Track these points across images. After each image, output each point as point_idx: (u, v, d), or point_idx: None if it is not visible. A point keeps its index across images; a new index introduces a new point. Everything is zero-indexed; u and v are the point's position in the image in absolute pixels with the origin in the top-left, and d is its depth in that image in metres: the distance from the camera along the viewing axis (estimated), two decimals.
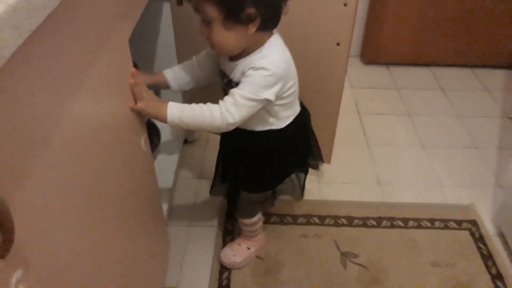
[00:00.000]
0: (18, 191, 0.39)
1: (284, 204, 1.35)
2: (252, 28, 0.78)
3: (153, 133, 1.39)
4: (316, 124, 1.29)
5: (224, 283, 1.16)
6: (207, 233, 1.29)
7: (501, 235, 1.30)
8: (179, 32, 1.25)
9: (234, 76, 0.86)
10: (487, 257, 1.23)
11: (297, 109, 0.96)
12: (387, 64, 2.13)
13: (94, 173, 0.59)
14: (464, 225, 1.33)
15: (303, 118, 0.98)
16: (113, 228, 0.68)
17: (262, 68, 0.79)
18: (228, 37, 0.79)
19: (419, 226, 1.32)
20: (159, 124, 1.42)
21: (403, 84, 2.00)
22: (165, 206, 1.20)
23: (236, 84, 0.84)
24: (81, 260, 0.55)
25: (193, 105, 0.83)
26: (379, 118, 1.79)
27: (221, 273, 1.18)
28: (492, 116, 1.81)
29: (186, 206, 1.37)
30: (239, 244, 1.20)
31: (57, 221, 0.48)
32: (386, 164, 1.56)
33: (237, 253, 1.19)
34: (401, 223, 1.33)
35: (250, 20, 0.76)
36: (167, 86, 0.97)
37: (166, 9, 1.22)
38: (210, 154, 1.56)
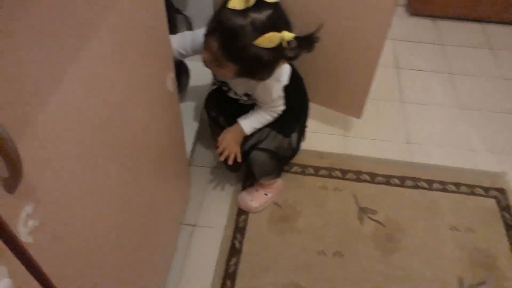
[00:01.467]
0: (27, 126, 0.39)
1: (307, 155, 1.34)
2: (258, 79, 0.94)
3: (182, 72, 1.38)
4: (351, 75, 1.25)
5: (241, 225, 1.19)
6: (229, 175, 1.30)
7: None
8: None
9: (236, 89, 1.07)
10: (511, 227, 1.21)
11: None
12: (435, 17, 1.98)
13: (113, 107, 0.59)
14: (492, 192, 1.29)
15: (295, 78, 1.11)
16: (130, 163, 0.69)
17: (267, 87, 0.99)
18: (234, 78, 0.94)
19: (444, 190, 1.29)
20: (189, 63, 1.41)
21: (450, 39, 1.87)
22: (190, 146, 1.22)
23: (243, 94, 1.07)
24: (95, 193, 0.57)
25: (256, 118, 1.08)
26: (418, 74, 1.70)
27: (238, 215, 1.21)
28: None
29: (211, 148, 1.39)
30: (257, 190, 1.22)
31: (70, 156, 0.49)
32: (419, 122, 1.50)
33: (254, 197, 1.21)
34: (425, 184, 1.30)
35: (259, 77, 0.92)
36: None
37: None
38: None
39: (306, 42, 0.83)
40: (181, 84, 1.36)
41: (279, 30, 0.81)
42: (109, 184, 0.61)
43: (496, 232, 1.20)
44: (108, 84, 0.57)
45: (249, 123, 1.08)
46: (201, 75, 1.44)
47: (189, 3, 1.31)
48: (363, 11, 1.10)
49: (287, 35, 0.81)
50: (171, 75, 0.83)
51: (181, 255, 1.13)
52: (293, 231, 1.18)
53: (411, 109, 1.56)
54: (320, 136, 1.42)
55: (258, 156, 1.11)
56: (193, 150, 1.29)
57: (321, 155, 1.36)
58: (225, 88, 1.11)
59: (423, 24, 1.96)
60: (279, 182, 1.23)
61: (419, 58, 1.77)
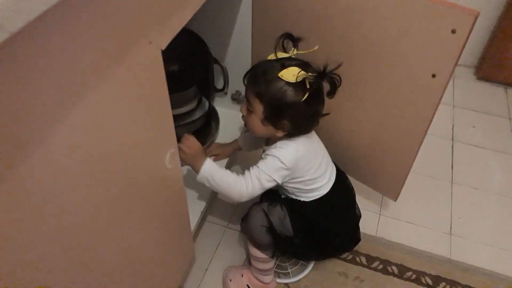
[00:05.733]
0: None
1: None
2: (280, 133, 0.92)
3: (212, 120, 1.32)
4: (389, 159, 1.12)
5: None
6: (242, 239, 1.21)
7: None
8: (257, 23, 1.12)
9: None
10: None
11: (321, 193, 1.00)
12: (507, 84, 1.78)
13: (105, 182, 0.56)
14: None
15: (330, 198, 1.01)
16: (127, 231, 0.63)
17: (272, 156, 0.93)
18: (259, 127, 0.93)
19: None
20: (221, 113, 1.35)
21: None
22: (202, 207, 1.14)
23: None
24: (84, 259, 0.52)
25: (223, 174, 0.94)
26: (475, 151, 1.51)
27: None
28: None
29: (228, 206, 1.30)
30: (242, 275, 1.09)
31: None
32: (467, 210, 1.32)
33: (235, 280, 1.09)
34: None
35: (281, 128, 0.91)
36: (240, 149, 1.23)
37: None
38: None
39: (325, 78, 0.85)
40: (210, 133, 1.30)
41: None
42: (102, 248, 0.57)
43: None
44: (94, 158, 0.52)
45: (209, 168, 0.93)
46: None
47: (228, 54, 1.24)
48: (406, 100, 0.99)
49: (309, 73, 0.84)
50: (171, 151, 0.75)
51: None
52: None
53: (461, 191, 1.37)
54: None
55: (254, 212, 1.00)
56: (208, 207, 1.21)
57: None
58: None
59: (493, 92, 1.77)
60: (270, 280, 1.08)
61: (481, 132, 1.58)
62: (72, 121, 0.46)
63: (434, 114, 0.97)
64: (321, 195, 1.00)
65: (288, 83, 0.85)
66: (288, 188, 0.99)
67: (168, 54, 1.19)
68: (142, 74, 0.60)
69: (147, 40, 0.59)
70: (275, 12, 1.06)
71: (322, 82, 0.86)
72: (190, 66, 1.22)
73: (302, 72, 0.84)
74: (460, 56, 0.86)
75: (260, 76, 0.89)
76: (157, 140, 0.71)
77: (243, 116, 0.97)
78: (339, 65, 0.85)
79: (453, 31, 0.82)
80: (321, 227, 1.00)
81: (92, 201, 0.55)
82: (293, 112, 0.88)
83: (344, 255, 1.18)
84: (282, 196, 1.05)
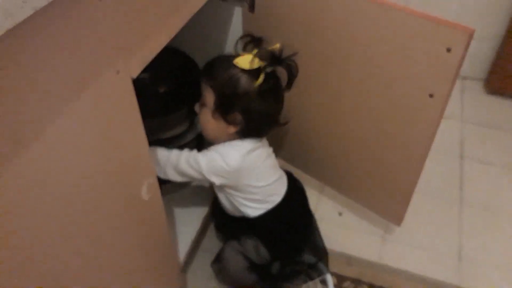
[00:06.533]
0: None
1: (332, 259, 1.14)
2: (232, 130, 0.88)
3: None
4: (391, 180, 1.07)
5: None
6: None
7: None
8: None
9: None
10: None
11: (267, 206, 0.97)
12: None
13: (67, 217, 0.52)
14: None
15: (280, 212, 0.98)
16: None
17: (216, 152, 0.89)
18: (210, 123, 0.89)
19: None
20: None
21: None
22: (192, 236, 1.09)
23: None
24: None
25: (164, 151, 0.93)
26: (486, 169, 1.44)
27: None
28: None
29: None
30: None
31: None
32: (478, 234, 1.24)
33: None
34: None
35: (233, 122, 0.87)
36: None
37: (237, 15, 1.06)
38: None
39: (280, 64, 0.84)
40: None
41: None
42: None
43: None
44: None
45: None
46: None
47: None
48: (402, 121, 0.94)
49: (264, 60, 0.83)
50: (148, 182, 0.71)
51: None
52: None
53: (471, 213, 1.30)
54: (352, 235, 1.22)
55: (231, 257, 0.96)
56: (200, 235, 1.16)
57: (349, 260, 1.17)
58: None
59: (504, 106, 1.69)
60: None
61: (492, 149, 1.51)
62: (29, 157, 0.44)
63: (434, 134, 0.92)
64: (275, 202, 0.97)
65: (243, 70, 0.84)
66: (239, 200, 0.96)
67: (159, 76, 1.18)
68: (111, 105, 0.57)
69: (114, 70, 0.56)
70: (266, 28, 1.03)
71: (279, 80, 0.86)
72: (181, 87, 1.19)
73: (257, 60, 0.83)
74: (457, 75, 0.81)
75: (216, 66, 0.89)
76: (131, 172, 0.68)
77: (197, 115, 0.96)
78: (295, 54, 0.85)
79: (448, 50, 0.77)
80: (287, 235, 0.98)
81: (61, 238, 0.52)
82: (246, 103, 0.85)
83: (345, 284, 1.12)
84: (237, 215, 1.00)
